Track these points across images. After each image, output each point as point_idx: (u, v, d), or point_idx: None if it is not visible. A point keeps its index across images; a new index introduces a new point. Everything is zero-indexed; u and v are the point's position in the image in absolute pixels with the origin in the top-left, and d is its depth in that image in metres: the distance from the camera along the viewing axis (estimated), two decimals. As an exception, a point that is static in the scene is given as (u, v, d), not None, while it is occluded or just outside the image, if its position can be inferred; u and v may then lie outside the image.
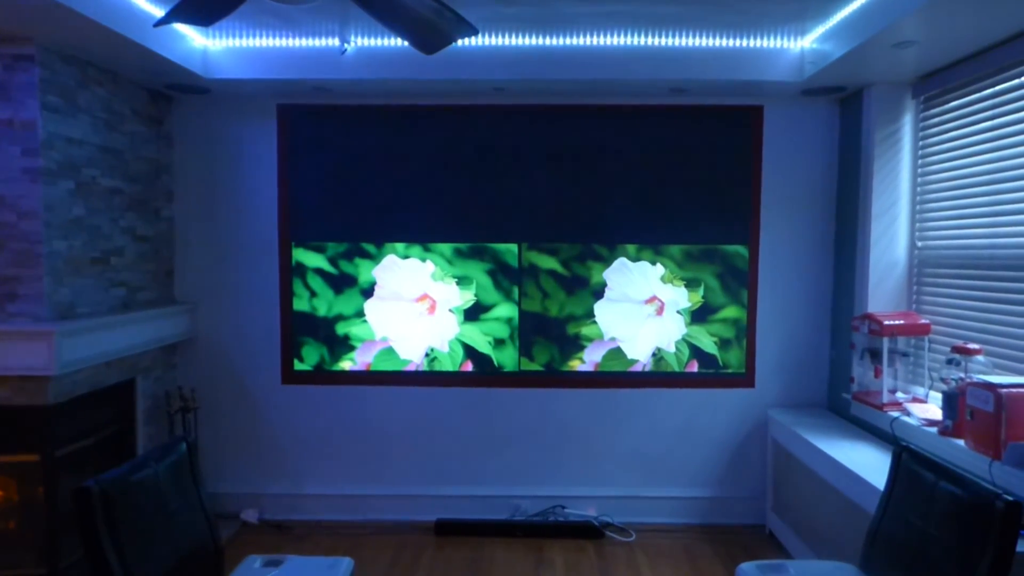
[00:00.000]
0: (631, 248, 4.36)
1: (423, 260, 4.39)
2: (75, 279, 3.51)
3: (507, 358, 4.42)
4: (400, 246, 4.38)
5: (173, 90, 4.19)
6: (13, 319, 3.27)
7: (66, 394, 3.33)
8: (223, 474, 4.48)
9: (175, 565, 2.32)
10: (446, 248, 4.37)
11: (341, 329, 4.42)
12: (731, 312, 4.38)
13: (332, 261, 4.40)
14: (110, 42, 3.27)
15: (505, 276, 4.38)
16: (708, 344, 4.39)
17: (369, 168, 4.37)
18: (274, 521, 4.44)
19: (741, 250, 4.37)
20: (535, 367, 4.42)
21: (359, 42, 3.85)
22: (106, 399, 3.81)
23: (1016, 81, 3.07)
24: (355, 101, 4.31)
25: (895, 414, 3.45)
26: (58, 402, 3.28)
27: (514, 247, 4.38)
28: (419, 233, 4.38)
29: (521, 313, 4.39)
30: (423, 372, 4.43)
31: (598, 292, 4.39)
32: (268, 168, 4.39)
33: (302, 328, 4.44)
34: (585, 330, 4.41)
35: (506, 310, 4.39)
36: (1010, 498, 2.02)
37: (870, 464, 3.23)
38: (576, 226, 4.37)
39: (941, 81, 3.55)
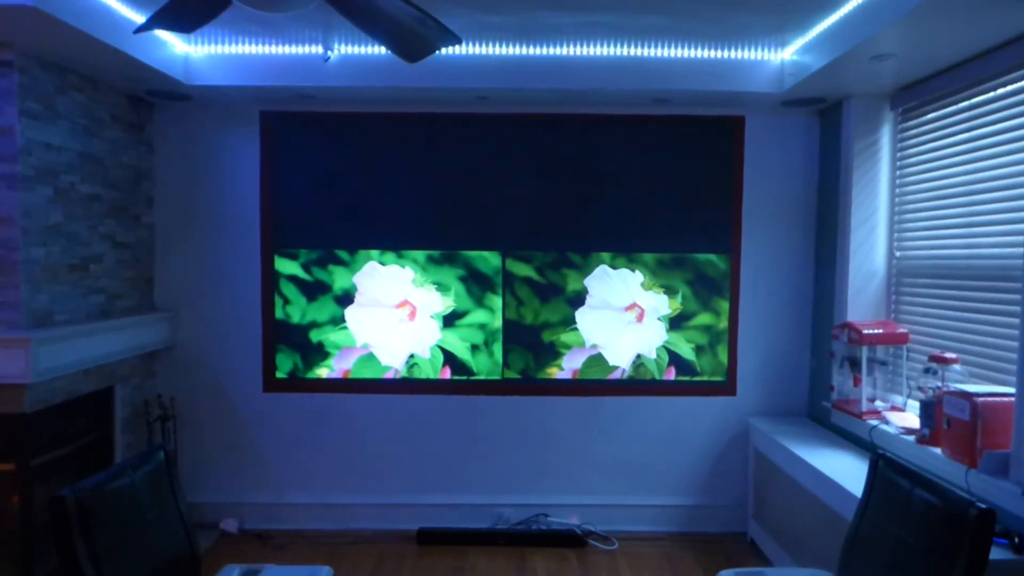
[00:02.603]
0: (606, 256, 4.38)
1: (402, 267, 4.39)
2: (53, 286, 3.47)
3: (481, 364, 4.42)
4: (375, 252, 4.37)
5: (154, 96, 4.16)
6: (-11, 326, 3.23)
7: (43, 402, 3.29)
8: (203, 483, 4.43)
9: (151, 575, 2.29)
10: (420, 255, 4.38)
11: (315, 336, 4.40)
12: (704, 319, 4.41)
13: (305, 268, 4.39)
14: (90, 48, 3.25)
15: (476, 283, 4.38)
16: (686, 350, 4.42)
17: (352, 175, 4.36)
18: (254, 531, 4.40)
19: (713, 258, 4.39)
20: (511, 374, 4.43)
21: (342, 50, 3.85)
22: (84, 407, 3.77)
23: (992, 94, 3.12)
24: (338, 108, 4.31)
25: (874, 422, 3.48)
26: (35, 410, 3.24)
27: (487, 254, 4.38)
28: (402, 240, 4.38)
29: (505, 321, 4.40)
30: (406, 380, 4.42)
31: (572, 300, 4.41)
32: (250, 175, 4.37)
33: (276, 336, 4.42)
34: (563, 337, 4.42)
35: (479, 316, 4.39)
36: (983, 506, 2.05)
37: (849, 472, 3.26)
38: (559, 234, 4.39)
39: (919, 94, 3.60)
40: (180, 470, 4.36)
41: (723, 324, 4.42)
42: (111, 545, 2.14)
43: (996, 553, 2.26)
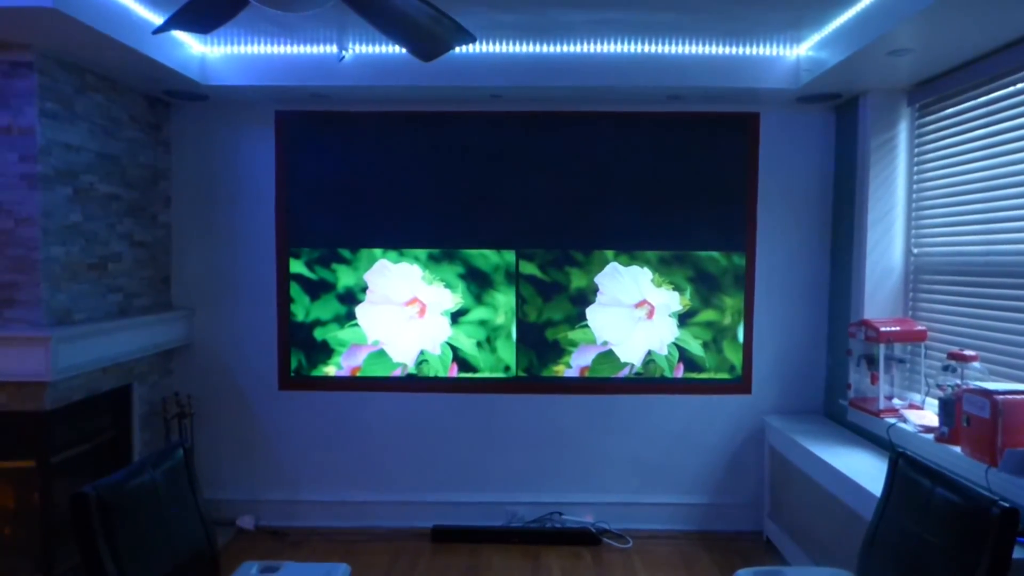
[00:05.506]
0: (609, 253, 4.38)
1: (410, 264, 4.40)
2: (72, 285, 3.50)
3: (484, 361, 4.42)
4: (378, 250, 4.38)
5: (171, 96, 4.20)
6: (10, 325, 3.26)
7: (62, 400, 3.33)
8: (219, 480, 4.46)
9: (171, 572, 2.31)
10: (421, 253, 4.38)
11: (319, 335, 4.42)
12: (707, 315, 4.39)
13: (308, 266, 4.41)
14: (108, 49, 3.28)
15: (475, 280, 4.39)
16: (696, 347, 4.40)
17: (365, 174, 4.38)
18: (270, 528, 4.42)
19: (716, 255, 4.37)
20: (520, 372, 4.43)
21: (357, 49, 3.86)
22: (102, 405, 3.81)
23: (1010, 89, 3.09)
24: (353, 108, 4.32)
25: (892, 420, 3.45)
26: (54, 408, 3.28)
27: (487, 252, 4.39)
28: (415, 239, 4.38)
29: (519, 320, 4.40)
30: (421, 378, 4.43)
31: (575, 298, 4.40)
32: (266, 174, 4.39)
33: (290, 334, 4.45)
34: (571, 335, 4.41)
35: (479, 313, 4.40)
36: (1006, 505, 2.02)
37: (867, 470, 3.23)
38: (573, 233, 4.38)
39: (936, 89, 3.57)
40: (197, 467, 4.38)
41: (727, 320, 4.40)
42: (132, 542, 2.15)
43: (1019, 552, 2.24)
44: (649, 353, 4.42)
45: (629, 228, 4.37)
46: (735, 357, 4.42)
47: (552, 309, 4.41)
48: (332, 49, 3.85)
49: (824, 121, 4.33)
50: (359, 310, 4.41)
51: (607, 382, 4.43)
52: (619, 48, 3.83)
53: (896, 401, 3.68)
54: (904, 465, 2.50)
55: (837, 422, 4.17)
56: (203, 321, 4.46)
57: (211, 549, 2.54)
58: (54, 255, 3.36)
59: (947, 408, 3.04)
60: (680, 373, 4.42)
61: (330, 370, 4.44)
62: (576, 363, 4.43)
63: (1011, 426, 2.67)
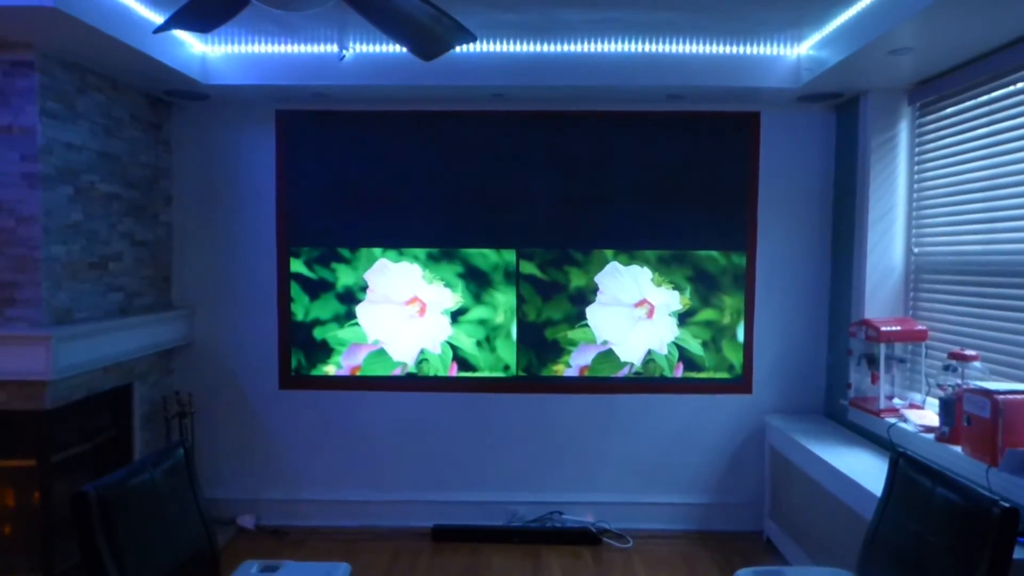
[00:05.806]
0: (609, 253, 4.38)
1: (410, 263, 4.40)
2: (73, 284, 3.50)
3: (484, 360, 4.42)
4: (378, 250, 4.39)
5: (172, 96, 4.20)
6: (11, 324, 3.26)
7: (63, 399, 3.33)
8: (220, 479, 4.47)
9: (172, 571, 2.31)
10: (420, 252, 4.39)
11: (319, 334, 4.42)
12: (706, 315, 4.39)
13: (308, 265, 4.41)
14: (109, 48, 3.28)
15: (474, 280, 4.39)
16: (695, 346, 4.40)
17: (366, 174, 4.38)
18: (271, 527, 4.42)
19: (715, 254, 4.37)
20: (520, 372, 4.43)
21: (358, 48, 3.86)
22: (103, 404, 3.81)
23: (1011, 88, 3.09)
24: (354, 107, 4.32)
25: (892, 420, 3.45)
26: (55, 407, 3.28)
27: (487, 251, 4.39)
28: (416, 239, 4.38)
29: (520, 319, 4.40)
30: (422, 377, 4.44)
31: (574, 297, 4.40)
32: (267, 174, 4.39)
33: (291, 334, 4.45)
34: (571, 334, 4.41)
35: (478, 313, 4.40)
36: (1007, 504, 2.02)
37: (867, 470, 3.23)
38: (573, 232, 4.38)
39: (937, 88, 3.57)
40: (197, 466, 4.38)
41: (727, 320, 4.40)
42: (132, 541, 2.15)
43: (1020, 552, 2.24)
44: (649, 352, 4.42)
45: (629, 227, 4.38)
46: (735, 357, 4.42)
47: (552, 308, 4.42)
48: (333, 48, 3.85)
49: (825, 120, 4.33)
50: (359, 309, 4.42)
51: (607, 382, 4.43)
52: (620, 47, 3.83)
53: (896, 401, 3.68)
54: (904, 465, 2.50)
55: (837, 422, 4.17)
56: (203, 320, 4.46)
57: (211, 548, 2.55)
58: (55, 254, 3.37)
59: (948, 408, 3.04)
60: (680, 372, 4.42)
61: (330, 369, 4.44)
62: (576, 362, 4.43)
63: (1011, 426, 2.67)
